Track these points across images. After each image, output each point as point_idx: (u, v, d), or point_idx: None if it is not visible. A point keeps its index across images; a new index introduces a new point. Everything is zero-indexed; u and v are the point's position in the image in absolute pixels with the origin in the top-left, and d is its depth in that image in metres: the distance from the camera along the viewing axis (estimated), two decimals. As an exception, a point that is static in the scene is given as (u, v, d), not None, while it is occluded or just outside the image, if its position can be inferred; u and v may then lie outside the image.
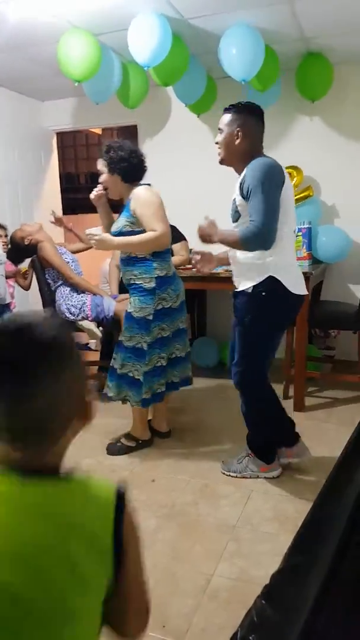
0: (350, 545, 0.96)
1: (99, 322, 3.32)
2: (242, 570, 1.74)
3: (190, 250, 3.78)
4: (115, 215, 2.65)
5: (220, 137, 2.17)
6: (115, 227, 2.48)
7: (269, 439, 2.35)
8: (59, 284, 3.37)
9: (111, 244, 2.41)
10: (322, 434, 2.77)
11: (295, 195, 3.39)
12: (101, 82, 3.22)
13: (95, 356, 3.84)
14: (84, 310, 3.22)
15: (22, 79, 3.86)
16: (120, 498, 0.73)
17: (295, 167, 3.72)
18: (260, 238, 1.97)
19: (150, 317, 2.47)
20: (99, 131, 7.96)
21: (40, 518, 0.66)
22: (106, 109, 3.56)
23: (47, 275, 3.38)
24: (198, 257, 2.27)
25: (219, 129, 2.16)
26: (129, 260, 2.49)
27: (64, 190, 5.10)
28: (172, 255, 3.57)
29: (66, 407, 0.68)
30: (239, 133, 2.10)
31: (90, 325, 3.28)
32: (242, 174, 2.08)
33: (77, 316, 3.24)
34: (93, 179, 9.77)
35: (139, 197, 2.39)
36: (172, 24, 2.78)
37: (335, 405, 3.25)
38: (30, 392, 0.64)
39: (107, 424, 3.00)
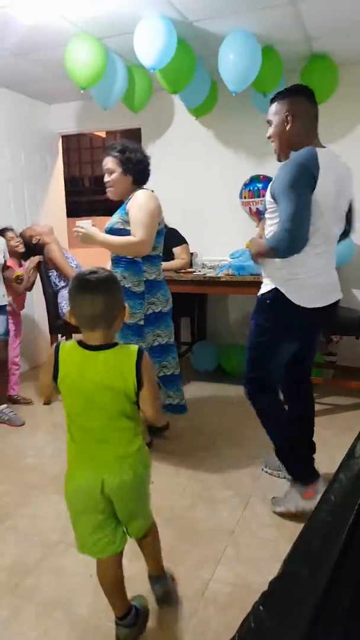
0: (349, 552, 0.94)
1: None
2: (241, 576, 1.73)
3: (191, 254, 3.79)
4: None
5: (270, 130, 1.99)
6: (108, 223, 2.46)
7: (294, 447, 2.14)
8: (61, 285, 3.42)
9: (94, 240, 2.34)
10: (322, 441, 2.73)
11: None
12: (107, 88, 3.23)
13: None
14: None
15: (30, 82, 3.88)
16: (140, 352, 1.33)
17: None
18: (285, 243, 1.82)
19: (142, 323, 2.44)
20: (103, 134, 8.00)
21: (100, 367, 1.31)
22: (111, 112, 3.56)
23: (50, 277, 3.43)
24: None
25: (268, 121, 2.00)
26: (118, 261, 2.43)
27: (67, 193, 5.11)
28: (173, 258, 3.59)
29: (116, 307, 1.32)
30: (289, 117, 1.91)
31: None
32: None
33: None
34: (96, 182, 9.81)
35: (137, 199, 2.37)
36: (176, 26, 2.79)
37: (336, 412, 3.23)
38: (105, 298, 1.29)
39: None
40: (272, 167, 3.80)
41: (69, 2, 2.57)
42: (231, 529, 2.00)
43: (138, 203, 2.35)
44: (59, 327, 3.53)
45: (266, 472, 2.42)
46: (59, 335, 3.57)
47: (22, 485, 2.31)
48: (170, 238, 3.43)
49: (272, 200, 1.90)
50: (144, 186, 2.51)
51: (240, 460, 2.57)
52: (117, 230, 2.38)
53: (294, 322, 1.99)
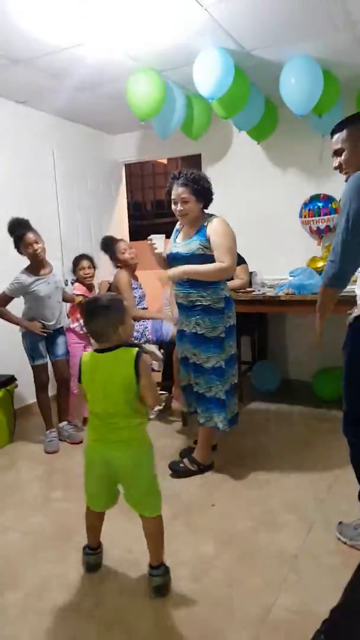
0: None
1: (160, 344, 3.42)
2: (304, 603, 1.68)
3: (251, 273, 3.80)
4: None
5: (342, 158, 1.89)
6: (186, 249, 2.57)
7: None
8: None
9: (186, 275, 2.52)
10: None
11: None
12: (166, 119, 3.38)
13: (157, 377, 3.92)
14: (145, 334, 3.40)
15: (95, 115, 4.13)
16: (139, 353, 1.69)
17: None
18: (333, 280, 1.83)
19: (223, 335, 2.57)
20: (164, 160, 8.25)
21: (107, 366, 1.71)
22: (171, 140, 3.70)
23: None
24: None
25: (336, 151, 1.91)
26: (197, 283, 2.56)
27: (131, 217, 5.32)
28: (233, 278, 3.62)
29: (113, 325, 1.70)
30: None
31: (152, 348, 3.41)
32: None
33: (140, 339, 3.40)
34: (158, 206, 10.08)
35: (218, 227, 2.51)
36: (233, 56, 2.88)
37: None
38: (103, 319, 1.70)
39: (165, 446, 3.05)
40: (331, 186, 3.81)
41: (130, 40, 2.74)
42: (294, 553, 1.96)
43: (221, 231, 2.51)
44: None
45: (342, 541, 2.03)
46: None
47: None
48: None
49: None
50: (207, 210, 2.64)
51: (303, 483, 2.52)
52: (199, 256, 2.52)
53: None
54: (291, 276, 3.32)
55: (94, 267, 3.51)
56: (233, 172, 4.21)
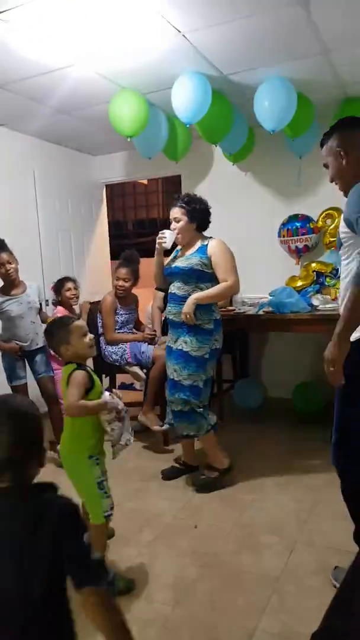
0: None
1: (141, 365, 3.43)
2: (286, 626, 1.66)
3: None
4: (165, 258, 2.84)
5: (330, 171, 1.85)
6: (186, 263, 2.64)
7: None
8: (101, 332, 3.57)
9: (193, 304, 2.56)
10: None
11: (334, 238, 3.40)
12: (150, 138, 3.42)
13: (139, 396, 3.89)
14: (124, 357, 3.44)
15: (76, 137, 4.17)
16: (75, 370, 1.84)
17: (336, 209, 3.75)
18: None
19: (207, 356, 2.63)
20: (145, 181, 8.35)
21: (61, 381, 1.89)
22: (152, 161, 3.75)
23: (98, 321, 3.57)
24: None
25: (324, 165, 1.88)
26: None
27: (112, 237, 5.34)
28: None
29: (55, 344, 1.93)
30: (342, 152, 1.78)
31: (135, 369, 3.42)
32: None
33: (120, 362, 3.45)
34: (139, 225, 10.18)
35: (218, 247, 2.63)
36: (212, 81, 2.95)
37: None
38: (48, 340, 2.03)
39: (145, 466, 3.05)
40: (309, 207, 3.89)
41: (111, 63, 2.79)
42: (276, 575, 1.94)
43: (221, 250, 2.63)
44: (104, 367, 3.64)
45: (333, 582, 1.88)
46: (103, 376, 3.66)
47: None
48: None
49: (347, 229, 1.71)
50: (205, 233, 2.77)
51: (286, 504, 2.51)
52: (197, 271, 2.61)
53: None
54: (271, 295, 3.36)
55: (78, 288, 3.52)
56: (213, 193, 4.24)
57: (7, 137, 3.84)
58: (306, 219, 3.91)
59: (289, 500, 2.54)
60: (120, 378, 4.02)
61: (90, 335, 1.96)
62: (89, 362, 4.05)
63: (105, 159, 4.80)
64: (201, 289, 2.59)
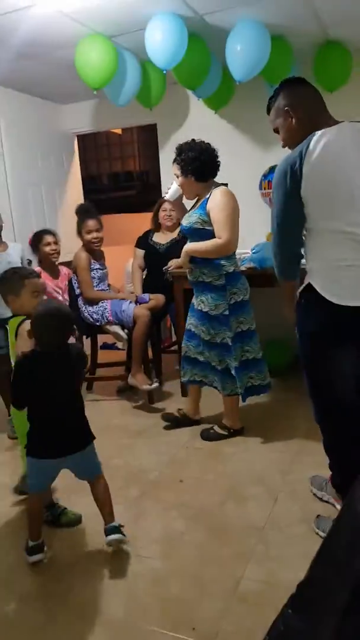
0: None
1: (122, 324, 3.37)
2: (272, 573, 1.73)
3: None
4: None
5: (281, 135, 1.83)
6: (186, 222, 2.57)
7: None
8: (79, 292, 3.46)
9: (185, 255, 2.54)
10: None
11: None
12: (121, 86, 3.23)
13: (122, 356, 3.88)
14: (105, 316, 3.34)
15: (42, 84, 3.91)
16: (23, 321, 1.98)
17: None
18: (281, 274, 1.91)
19: (227, 313, 2.56)
20: (119, 131, 8.00)
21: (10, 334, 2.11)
22: (125, 109, 3.56)
23: (74, 282, 3.46)
24: None
25: (274, 130, 1.86)
26: (196, 259, 2.56)
27: (87, 192, 5.15)
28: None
29: (3, 294, 2.09)
30: (290, 112, 1.75)
31: (115, 328, 3.35)
32: None
33: (101, 321, 3.35)
34: (115, 178, 9.83)
35: (217, 199, 2.47)
36: (187, 22, 2.76)
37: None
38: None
39: (130, 423, 3.06)
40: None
41: (77, 2, 2.57)
42: (261, 525, 2.01)
43: (218, 204, 2.46)
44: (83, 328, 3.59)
45: (319, 534, 1.90)
46: (84, 337, 3.61)
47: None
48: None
49: None
50: (218, 179, 2.62)
51: (269, 455, 2.57)
52: (197, 230, 2.52)
53: (330, 324, 1.70)
54: (253, 252, 3.31)
55: (58, 243, 3.30)
56: (190, 143, 4.10)
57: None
58: (286, 170, 3.81)
59: (271, 451, 2.61)
60: (102, 339, 3.97)
61: (43, 297, 2.02)
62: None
63: (74, 108, 4.53)
64: None
